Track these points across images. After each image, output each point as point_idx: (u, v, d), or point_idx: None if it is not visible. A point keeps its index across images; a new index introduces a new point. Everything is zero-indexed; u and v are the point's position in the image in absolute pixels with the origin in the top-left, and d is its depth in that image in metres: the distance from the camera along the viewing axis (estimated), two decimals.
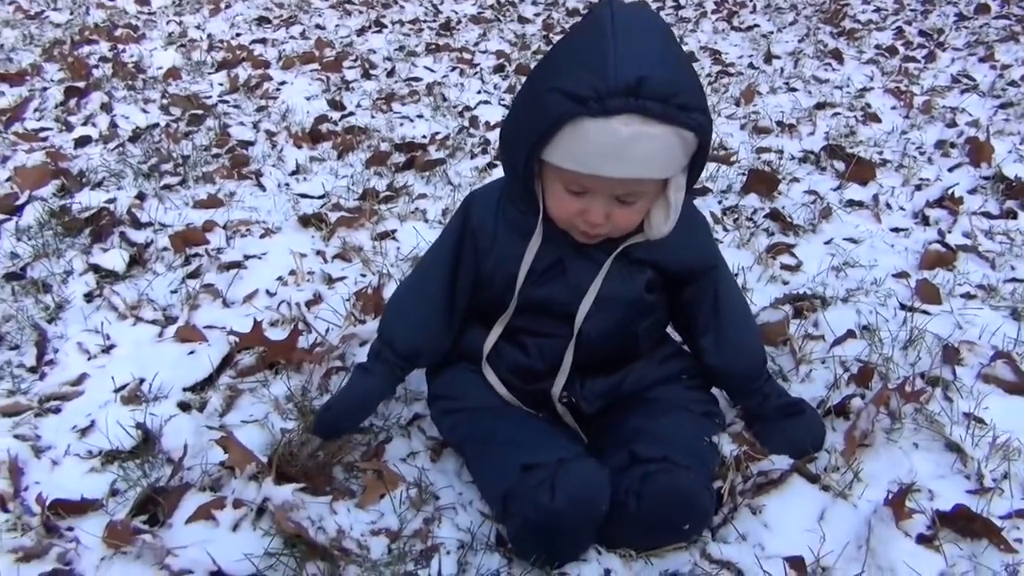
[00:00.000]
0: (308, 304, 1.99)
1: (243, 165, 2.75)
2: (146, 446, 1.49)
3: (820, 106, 3.22)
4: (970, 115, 3.10)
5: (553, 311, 1.38)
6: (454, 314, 1.47)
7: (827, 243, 2.25)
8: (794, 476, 1.39)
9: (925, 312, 1.90)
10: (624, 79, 1.12)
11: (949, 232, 2.25)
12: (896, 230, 2.31)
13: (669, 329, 1.55)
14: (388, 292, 2.05)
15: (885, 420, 1.53)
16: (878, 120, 3.09)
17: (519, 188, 1.32)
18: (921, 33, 4.12)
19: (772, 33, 4.17)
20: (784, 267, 2.12)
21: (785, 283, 2.06)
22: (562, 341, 1.39)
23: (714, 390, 1.53)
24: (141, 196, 2.48)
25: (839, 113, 3.16)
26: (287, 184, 2.64)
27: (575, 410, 1.44)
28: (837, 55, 3.79)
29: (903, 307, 1.93)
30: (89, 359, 1.76)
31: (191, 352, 1.79)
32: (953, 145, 2.83)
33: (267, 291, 2.05)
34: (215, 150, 2.85)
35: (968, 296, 1.97)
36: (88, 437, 1.54)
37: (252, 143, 2.93)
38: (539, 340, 1.41)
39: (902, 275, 2.07)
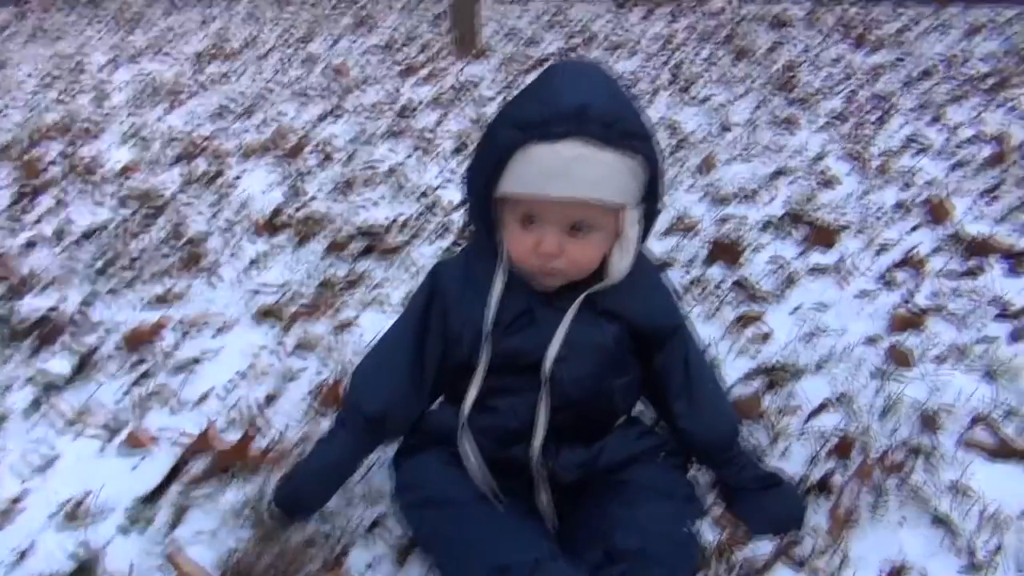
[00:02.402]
0: (265, 401, 1.91)
1: (199, 259, 2.68)
2: (87, 570, 1.39)
3: (779, 173, 3.23)
4: (926, 175, 3.13)
5: (523, 362, 1.34)
6: (423, 382, 1.43)
7: (795, 310, 2.22)
8: (779, 563, 1.33)
9: (899, 378, 1.86)
10: (568, 106, 1.19)
11: (916, 294, 2.23)
12: (862, 294, 2.29)
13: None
14: None
15: (868, 495, 1.47)
16: (837, 184, 3.10)
17: (482, 232, 1.34)
18: (871, 98, 4.20)
19: (727, 103, 4.23)
20: (753, 338, 2.08)
21: (755, 355, 2.01)
22: (535, 394, 1.35)
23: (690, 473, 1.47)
24: (91, 297, 2.41)
25: (798, 179, 3.17)
26: (244, 276, 2.57)
27: (551, 480, 1.39)
28: (792, 122, 3.84)
29: (877, 373, 1.89)
30: (29, 475, 1.66)
31: (139, 461, 1.71)
32: (912, 206, 2.84)
33: (222, 390, 1.98)
34: (170, 244, 2.79)
35: (940, 359, 1.93)
36: (27, 561, 1.43)
37: (209, 235, 2.87)
38: (511, 398, 1.37)
39: (873, 340, 2.03)
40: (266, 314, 2.29)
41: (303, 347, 2.14)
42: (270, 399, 1.92)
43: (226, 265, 2.64)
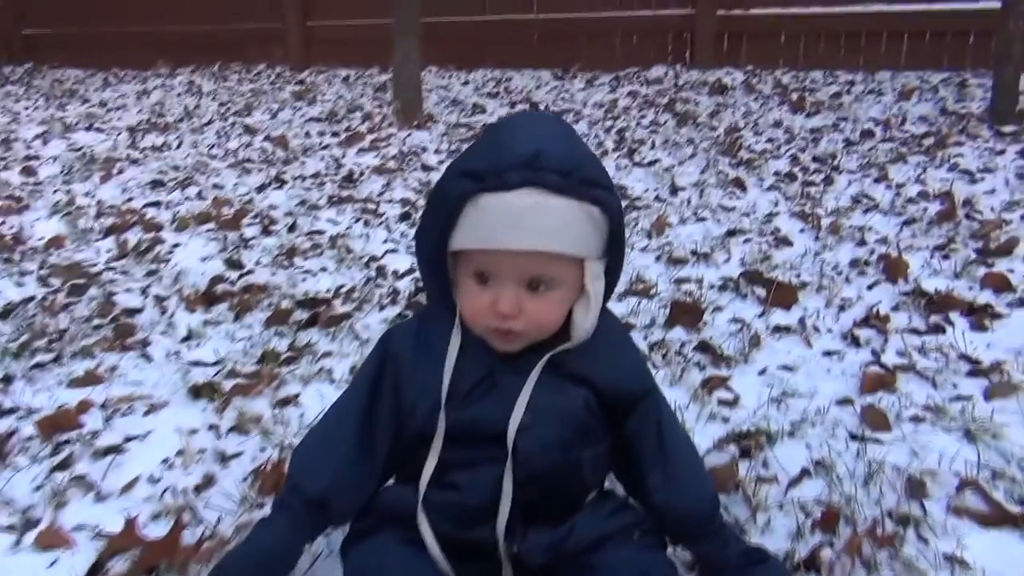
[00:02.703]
0: (197, 489, 1.74)
1: (128, 335, 2.51)
2: None
3: (731, 233, 3.19)
4: (877, 233, 3.12)
5: (485, 432, 1.22)
6: (373, 458, 1.29)
7: (762, 373, 2.13)
8: None
9: (877, 440, 1.77)
10: (521, 153, 1.11)
11: (883, 352, 2.16)
12: (828, 353, 2.22)
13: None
14: None
15: (860, 572, 1.36)
16: (789, 244, 3.07)
17: (435, 292, 1.25)
18: (815, 159, 4.23)
19: (674, 166, 4.22)
20: (722, 402, 1.98)
21: (725, 420, 1.91)
22: (498, 467, 1.22)
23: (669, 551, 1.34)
24: (7, 379, 2.21)
25: (751, 239, 3.13)
26: (177, 352, 2.40)
27: (517, 564, 1.25)
28: (739, 183, 3.84)
29: (853, 437, 1.79)
30: None
31: (55, 559, 1.53)
32: (868, 263, 2.81)
33: (150, 477, 1.80)
34: (97, 321, 2.61)
35: (917, 419, 1.85)
36: None
37: (140, 310, 2.70)
38: (472, 472, 1.24)
39: (845, 401, 1.95)
40: (200, 392, 2.13)
41: (240, 427, 1.97)
42: (202, 486, 1.74)
43: (158, 341, 2.47)
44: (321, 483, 1.28)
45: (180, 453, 1.87)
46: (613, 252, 1.22)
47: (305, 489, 1.28)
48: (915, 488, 1.55)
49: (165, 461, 1.85)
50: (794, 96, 5.74)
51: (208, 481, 1.77)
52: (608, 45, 7.24)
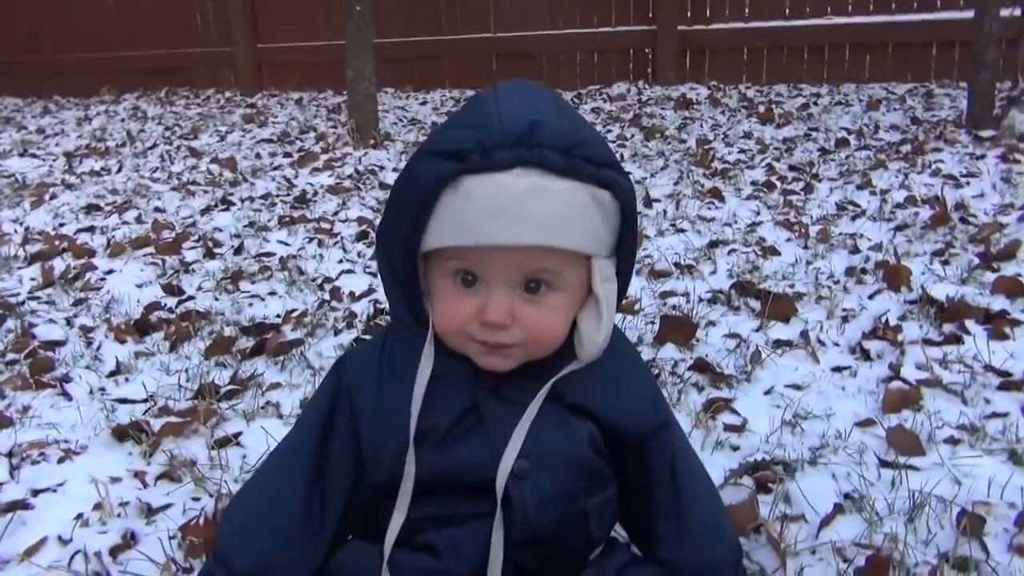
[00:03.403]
0: (113, 552, 1.45)
1: (46, 371, 2.20)
2: None
3: (714, 244, 2.97)
4: (869, 240, 2.92)
5: (467, 480, 0.96)
6: (323, 521, 1.01)
7: (768, 392, 1.89)
8: None
9: (912, 467, 1.54)
10: (513, 127, 0.88)
11: (901, 366, 1.94)
12: (838, 369, 1.99)
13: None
14: None
15: None
16: (777, 253, 2.86)
17: (401, 305, 0.99)
18: (792, 168, 4.05)
19: (646, 179, 4.01)
20: (728, 428, 1.73)
21: (735, 448, 1.66)
22: (486, 524, 0.95)
23: None
24: None
25: (735, 249, 2.91)
26: (102, 389, 2.10)
27: None
28: (716, 194, 3.63)
29: (884, 463, 1.56)
30: None
31: None
32: (865, 271, 2.60)
33: (58, 538, 1.50)
34: (11, 356, 2.30)
35: (953, 441, 1.62)
36: None
37: (62, 343, 2.39)
38: (453, 531, 0.97)
39: (867, 423, 1.71)
40: (125, 434, 1.83)
41: (170, 474, 1.68)
42: (120, 548, 1.46)
43: (80, 377, 2.16)
44: (254, 556, 1.00)
45: (97, 507, 1.58)
46: (624, 249, 0.97)
47: (234, 564, 1.00)
48: (975, 525, 1.31)
49: (79, 517, 1.56)
50: (761, 108, 5.58)
51: (128, 541, 1.48)
52: (569, 63, 7.06)
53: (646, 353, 2.10)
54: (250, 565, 1.00)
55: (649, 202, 3.57)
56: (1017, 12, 4.75)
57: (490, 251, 0.90)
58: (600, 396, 1.01)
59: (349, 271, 2.93)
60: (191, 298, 2.76)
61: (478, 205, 0.88)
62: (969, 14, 4.76)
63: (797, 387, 1.90)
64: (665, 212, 3.43)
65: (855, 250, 2.81)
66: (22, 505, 1.61)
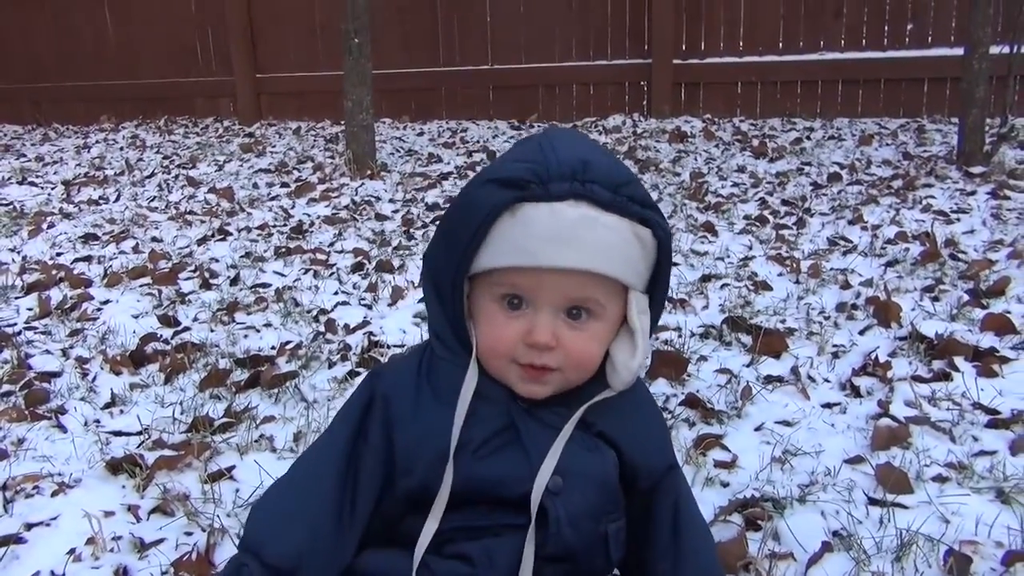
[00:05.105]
0: None
1: (41, 402, 2.21)
2: None
3: (706, 278, 3.00)
4: (860, 275, 2.95)
5: (505, 492, 1.00)
6: (353, 520, 1.03)
7: (758, 429, 1.91)
8: None
9: (900, 505, 1.55)
10: (568, 162, 0.96)
11: (890, 403, 1.95)
12: (828, 405, 2.01)
13: None
14: (221, 554, 1.54)
15: None
16: (769, 288, 2.88)
17: (443, 324, 1.04)
18: (784, 202, 4.09)
19: None
20: (719, 464, 1.75)
21: (724, 484, 1.68)
22: (519, 536, 0.99)
23: None
24: None
25: (727, 284, 2.94)
26: (97, 421, 2.11)
27: None
28: (710, 228, 3.66)
29: (873, 501, 1.57)
30: None
31: None
32: (855, 307, 2.63)
33: (52, 573, 1.52)
34: (6, 387, 2.31)
35: (941, 479, 1.63)
36: None
37: (57, 374, 2.40)
38: (487, 542, 1.00)
39: (856, 460, 1.73)
40: (119, 468, 1.84)
41: (163, 508, 1.69)
42: None
43: (75, 409, 2.17)
44: (289, 547, 1.01)
45: (90, 541, 1.59)
46: (658, 286, 1.04)
47: (267, 555, 1.01)
48: (962, 565, 1.32)
49: (71, 552, 1.57)
50: (755, 142, 5.64)
51: None
52: (565, 95, 7.13)
53: None
54: (284, 555, 1.01)
55: None
56: (1006, 49, 4.82)
57: (542, 275, 0.96)
58: (624, 432, 1.07)
59: (344, 303, 2.95)
60: (187, 329, 2.78)
61: (536, 229, 0.95)
62: (960, 51, 4.82)
63: (787, 423, 1.92)
64: None
65: (846, 285, 2.84)
66: (15, 539, 1.61)
